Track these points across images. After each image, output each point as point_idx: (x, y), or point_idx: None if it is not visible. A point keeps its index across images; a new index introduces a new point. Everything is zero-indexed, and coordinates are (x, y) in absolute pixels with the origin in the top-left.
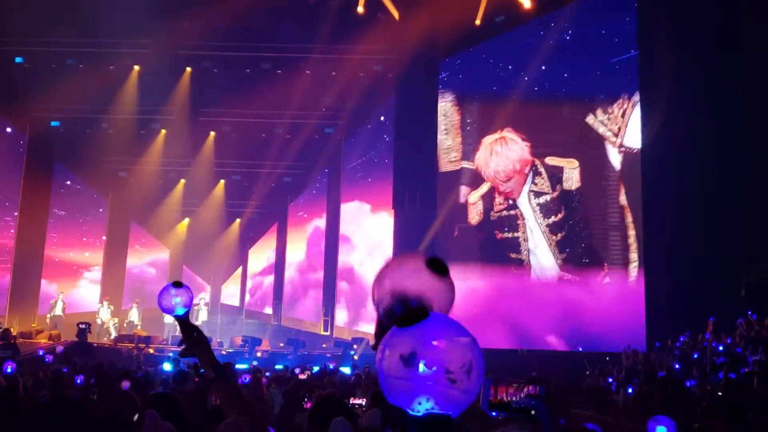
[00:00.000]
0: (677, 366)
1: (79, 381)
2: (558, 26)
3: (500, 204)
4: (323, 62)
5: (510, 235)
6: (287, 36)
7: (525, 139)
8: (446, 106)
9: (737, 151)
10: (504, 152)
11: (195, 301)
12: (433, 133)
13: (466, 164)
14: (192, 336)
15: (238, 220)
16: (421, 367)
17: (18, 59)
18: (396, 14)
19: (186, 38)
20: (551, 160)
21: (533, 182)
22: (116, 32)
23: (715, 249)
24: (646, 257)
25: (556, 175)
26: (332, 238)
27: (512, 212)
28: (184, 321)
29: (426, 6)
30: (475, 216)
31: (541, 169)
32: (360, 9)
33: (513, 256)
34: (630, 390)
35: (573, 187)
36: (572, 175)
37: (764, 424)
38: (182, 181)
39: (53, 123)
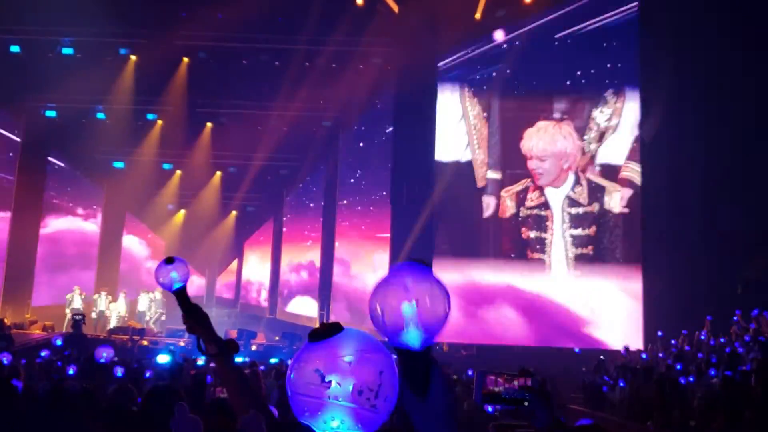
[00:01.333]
0: (672, 363)
1: (72, 372)
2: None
3: (532, 201)
4: (322, 54)
5: (535, 234)
6: (286, 28)
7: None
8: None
9: (736, 148)
10: (556, 137)
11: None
12: (432, 126)
13: (491, 174)
14: (192, 310)
15: (234, 212)
16: (332, 384)
17: (14, 48)
18: (395, 7)
19: (183, 28)
20: (595, 177)
21: (572, 189)
22: (113, 22)
23: (712, 247)
24: (644, 255)
25: (595, 192)
26: (328, 233)
27: (543, 212)
28: (182, 294)
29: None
30: (505, 210)
31: (583, 181)
32: (359, 1)
33: (534, 255)
34: (621, 384)
35: (612, 208)
36: (614, 197)
37: (761, 421)
38: (178, 172)
39: (48, 113)
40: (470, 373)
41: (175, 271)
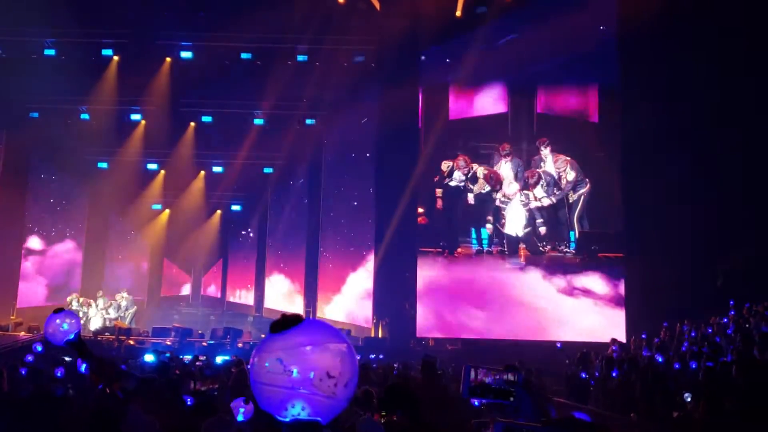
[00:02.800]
0: (656, 355)
1: (59, 374)
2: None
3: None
4: (304, 53)
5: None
6: (268, 26)
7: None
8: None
9: (716, 142)
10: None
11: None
12: (415, 123)
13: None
14: (91, 356)
15: (218, 212)
16: (293, 372)
17: None
18: (377, 4)
19: (166, 28)
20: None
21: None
22: (95, 23)
23: (692, 239)
24: (626, 248)
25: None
26: (313, 226)
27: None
28: (77, 344)
29: None
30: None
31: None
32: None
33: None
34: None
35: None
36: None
37: (742, 412)
38: (162, 172)
39: (31, 114)
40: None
41: (66, 323)
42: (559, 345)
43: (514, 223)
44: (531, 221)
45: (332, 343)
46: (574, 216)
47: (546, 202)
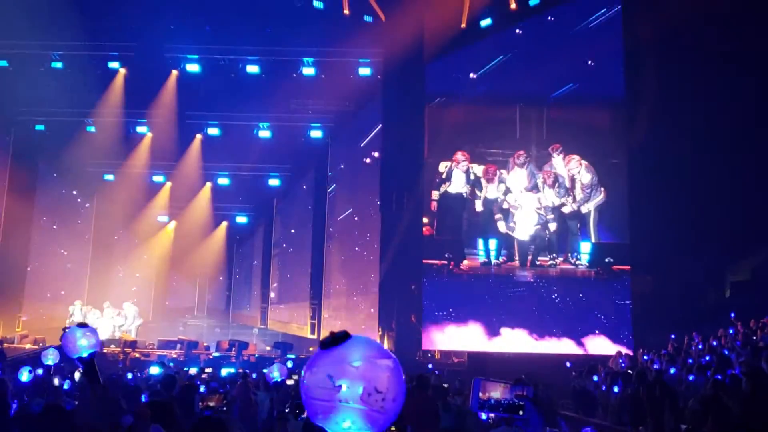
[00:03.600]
0: (663, 367)
1: (67, 386)
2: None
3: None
4: (310, 65)
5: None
6: (274, 39)
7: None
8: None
9: (723, 153)
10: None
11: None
12: (420, 133)
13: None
14: (97, 382)
15: (224, 223)
16: (343, 388)
17: (2, 62)
18: (382, 16)
19: (172, 41)
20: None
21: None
22: (101, 36)
23: (700, 251)
24: (633, 259)
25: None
26: (318, 238)
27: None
28: (88, 363)
29: (412, 8)
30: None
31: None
32: (346, 11)
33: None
34: (616, 390)
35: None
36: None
37: (750, 425)
38: (168, 183)
39: (38, 126)
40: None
41: (85, 339)
42: (569, 364)
43: (525, 227)
44: (542, 226)
45: (379, 359)
46: (590, 227)
47: (557, 202)
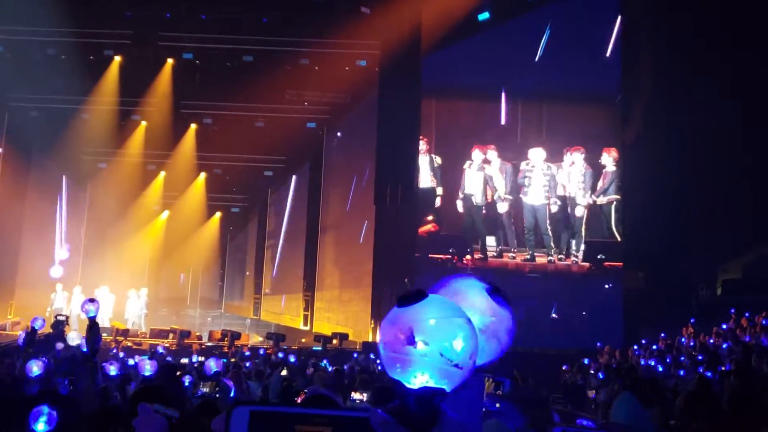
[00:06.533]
0: (654, 363)
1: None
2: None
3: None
4: (306, 56)
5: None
6: (270, 29)
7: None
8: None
9: (717, 151)
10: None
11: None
12: (415, 127)
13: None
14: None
15: (218, 213)
16: (421, 343)
17: None
18: (380, 10)
19: (168, 29)
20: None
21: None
22: (98, 22)
23: (692, 248)
24: (625, 255)
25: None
26: (313, 229)
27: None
28: (93, 321)
29: (411, 1)
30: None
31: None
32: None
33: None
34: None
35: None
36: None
37: (739, 421)
38: (162, 173)
39: (32, 113)
40: None
41: (92, 306)
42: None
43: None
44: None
45: (455, 317)
46: (611, 222)
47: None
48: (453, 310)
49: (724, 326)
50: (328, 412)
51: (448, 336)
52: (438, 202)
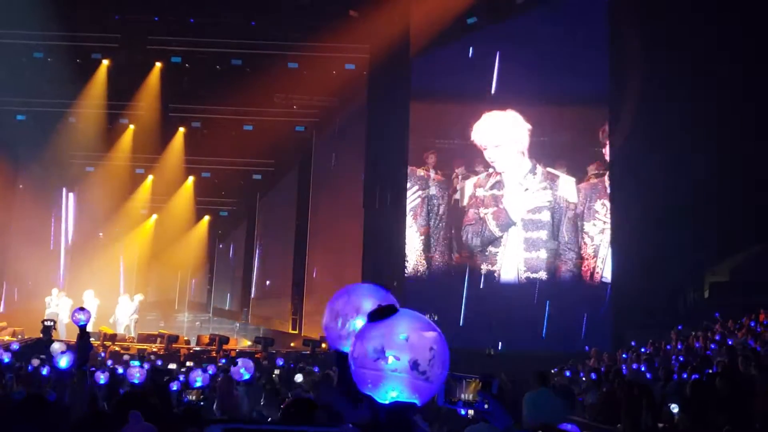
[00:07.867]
0: (642, 368)
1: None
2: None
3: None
4: (295, 59)
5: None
6: (258, 32)
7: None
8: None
9: (703, 155)
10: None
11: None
12: (404, 130)
13: None
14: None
15: (207, 217)
16: (390, 359)
17: None
18: (369, 13)
19: (156, 33)
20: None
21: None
22: (85, 26)
23: (680, 251)
24: (613, 259)
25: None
26: (302, 232)
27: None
28: (83, 329)
29: (398, 3)
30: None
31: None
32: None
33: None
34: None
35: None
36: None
37: (726, 423)
38: (150, 176)
39: (19, 116)
40: None
41: (82, 316)
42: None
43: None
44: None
45: (425, 332)
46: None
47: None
48: (424, 323)
49: (710, 330)
50: (301, 429)
51: (418, 350)
52: None
